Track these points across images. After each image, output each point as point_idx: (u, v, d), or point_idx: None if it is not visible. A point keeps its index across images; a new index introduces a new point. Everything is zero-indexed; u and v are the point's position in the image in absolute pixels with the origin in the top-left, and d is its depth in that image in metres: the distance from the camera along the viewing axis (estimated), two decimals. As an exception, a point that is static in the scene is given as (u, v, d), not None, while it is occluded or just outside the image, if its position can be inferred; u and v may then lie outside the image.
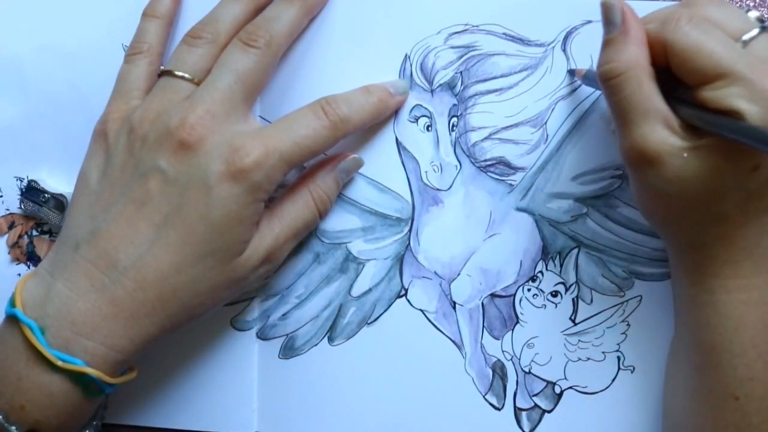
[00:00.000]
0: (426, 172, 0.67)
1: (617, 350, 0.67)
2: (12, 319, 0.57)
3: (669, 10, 0.55)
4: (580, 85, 0.65)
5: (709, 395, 0.58)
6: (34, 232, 0.71)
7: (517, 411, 0.68)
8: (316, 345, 0.69)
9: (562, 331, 0.67)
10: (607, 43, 0.55)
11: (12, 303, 0.57)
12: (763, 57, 0.52)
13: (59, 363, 0.55)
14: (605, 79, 0.55)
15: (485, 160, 0.67)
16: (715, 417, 0.57)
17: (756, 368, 0.56)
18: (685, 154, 0.52)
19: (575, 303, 0.67)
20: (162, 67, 0.63)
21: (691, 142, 0.52)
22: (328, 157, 0.65)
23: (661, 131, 0.53)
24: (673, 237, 0.59)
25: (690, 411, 0.60)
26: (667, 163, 0.53)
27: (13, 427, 0.55)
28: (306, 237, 0.67)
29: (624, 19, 0.54)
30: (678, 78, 0.54)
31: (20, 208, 0.70)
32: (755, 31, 0.53)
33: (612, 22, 0.55)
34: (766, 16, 0.66)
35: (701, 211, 0.55)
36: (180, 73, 0.61)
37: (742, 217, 0.54)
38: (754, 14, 0.55)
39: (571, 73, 0.66)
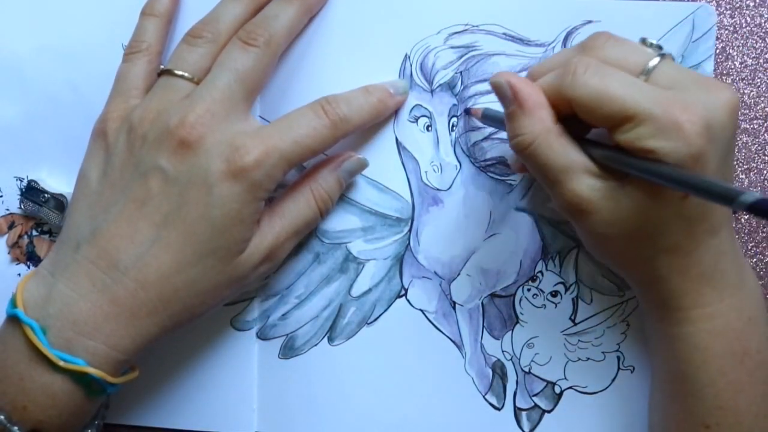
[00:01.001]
0: (426, 172, 0.67)
1: (617, 350, 0.67)
2: (13, 319, 0.57)
3: (565, 58, 0.56)
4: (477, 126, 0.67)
5: (682, 423, 0.59)
6: (34, 232, 0.71)
7: (517, 411, 0.68)
8: (316, 345, 0.69)
9: (562, 331, 0.67)
10: (508, 118, 0.56)
11: (13, 303, 0.57)
12: (667, 83, 0.53)
13: (61, 363, 0.55)
14: (518, 151, 0.56)
15: (485, 160, 0.67)
16: None
17: (725, 397, 0.56)
18: (614, 194, 0.53)
19: (575, 303, 0.67)
20: (162, 66, 0.63)
21: (616, 182, 0.53)
22: (331, 156, 0.65)
23: (586, 180, 0.54)
24: (631, 276, 0.60)
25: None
26: (601, 208, 0.54)
27: (16, 428, 0.55)
28: (306, 237, 0.67)
29: (514, 92, 0.55)
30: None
31: (20, 208, 0.70)
32: (655, 60, 0.53)
33: (505, 97, 0.56)
34: (758, 37, 0.67)
35: (649, 245, 0.55)
36: (180, 72, 0.61)
37: (691, 243, 0.55)
38: (650, 41, 0.55)
39: (467, 112, 0.66)
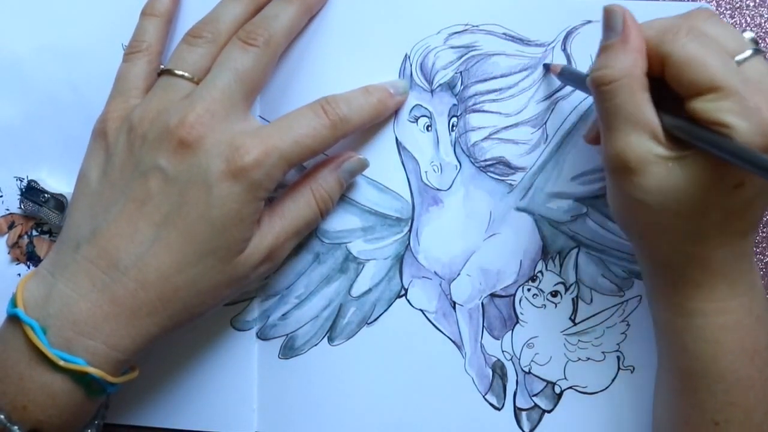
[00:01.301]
0: (426, 172, 0.67)
1: (617, 350, 0.67)
2: (13, 319, 0.57)
3: (669, 21, 0.55)
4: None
5: (689, 420, 0.58)
6: (34, 232, 0.71)
7: (517, 411, 0.68)
8: (316, 345, 0.69)
9: (562, 331, 0.67)
10: (604, 49, 0.55)
11: (13, 303, 0.57)
12: (754, 78, 0.52)
13: (61, 363, 0.55)
14: (598, 84, 0.54)
15: (485, 160, 0.67)
16: None
17: (735, 393, 0.56)
18: (670, 164, 0.52)
19: (575, 303, 0.67)
20: (162, 66, 0.63)
21: (675, 153, 0.52)
22: (332, 156, 0.65)
23: (647, 141, 0.53)
24: (648, 253, 0.59)
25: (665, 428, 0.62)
26: (650, 173, 0.53)
27: (16, 427, 0.55)
28: (306, 237, 0.67)
29: (625, 26, 0.54)
30: (669, 89, 0.54)
31: (20, 208, 0.70)
32: (749, 52, 0.53)
33: (612, 28, 0.55)
34: (758, 37, 0.67)
35: (679, 226, 0.54)
36: (180, 72, 0.61)
37: (720, 238, 0.54)
38: (749, 35, 0.55)
39: (546, 67, 0.66)
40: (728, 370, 0.56)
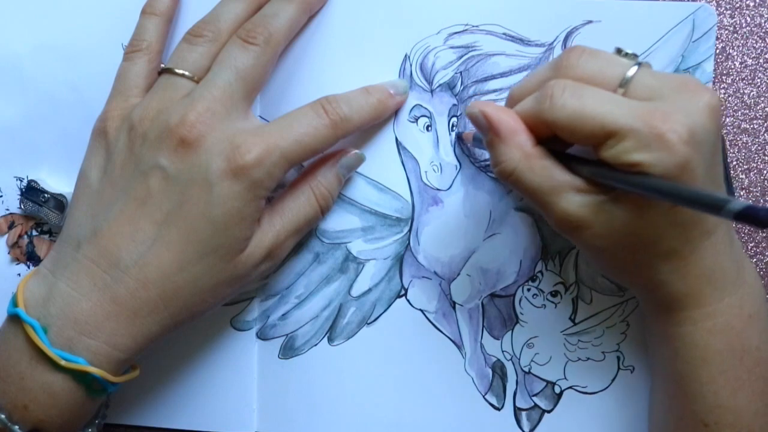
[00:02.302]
0: (426, 172, 0.67)
1: (617, 350, 0.67)
2: (14, 318, 0.57)
3: (543, 79, 0.56)
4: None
5: (680, 423, 0.59)
6: (34, 232, 0.71)
7: (517, 411, 0.68)
8: (315, 345, 0.69)
9: (562, 331, 0.67)
10: (488, 146, 0.56)
11: (14, 302, 0.57)
12: (646, 93, 0.53)
13: (62, 362, 0.55)
14: (503, 178, 0.56)
15: (485, 160, 0.67)
16: None
17: (724, 395, 0.57)
18: (606, 207, 0.53)
19: (575, 303, 0.67)
20: (162, 65, 0.63)
21: (605, 195, 0.53)
22: (329, 153, 0.65)
23: (574, 198, 0.54)
24: (631, 283, 0.60)
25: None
26: (593, 223, 0.54)
27: (16, 427, 0.55)
28: (306, 237, 0.67)
29: (489, 122, 0.55)
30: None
31: (20, 208, 0.70)
32: (633, 69, 0.53)
33: (480, 127, 0.56)
34: (758, 37, 0.67)
35: (645, 254, 0.55)
36: (180, 71, 0.61)
37: (687, 246, 0.55)
38: (624, 53, 0.55)
39: (459, 137, 0.67)
40: (717, 372, 0.56)
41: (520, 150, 0.54)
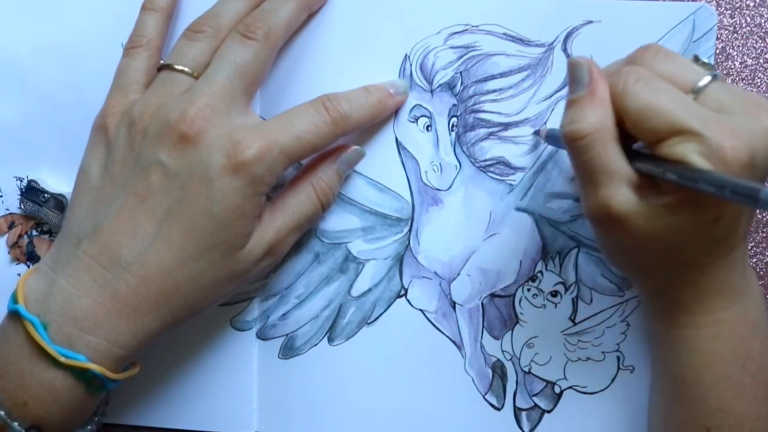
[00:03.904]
0: (426, 172, 0.67)
1: (617, 350, 0.67)
2: (14, 315, 0.57)
3: (616, 69, 0.55)
4: (545, 146, 0.67)
5: (681, 426, 0.59)
6: (34, 232, 0.71)
7: (517, 411, 0.68)
8: (315, 345, 0.69)
9: (562, 331, 0.67)
10: (571, 103, 0.55)
11: (14, 299, 0.57)
12: (715, 105, 0.52)
13: (62, 359, 0.55)
14: (570, 140, 0.54)
15: (485, 160, 0.67)
16: None
17: (726, 399, 0.57)
18: (650, 209, 0.53)
19: (575, 303, 0.67)
20: (162, 61, 0.63)
21: (654, 200, 0.53)
22: (329, 150, 0.65)
23: (625, 192, 0.53)
24: (641, 283, 0.60)
25: None
26: (632, 222, 0.53)
27: (16, 423, 0.55)
28: (306, 237, 0.68)
29: (591, 79, 0.54)
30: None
31: (20, 208, 0.70)
32: (706, 79, 0.53)
33: (578, 81, 0.55)
34: (758, 37, 0.67)
35: (667, 261, 0.55)
36: (180, 67, 0.61)
37: (708, 259, 0.55)
38: (700, 61, 0.55)
39: (536, 133, 0.66)
40: (720, 376, 0.56)
41: (605, 119, 0.53)
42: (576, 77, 0.55)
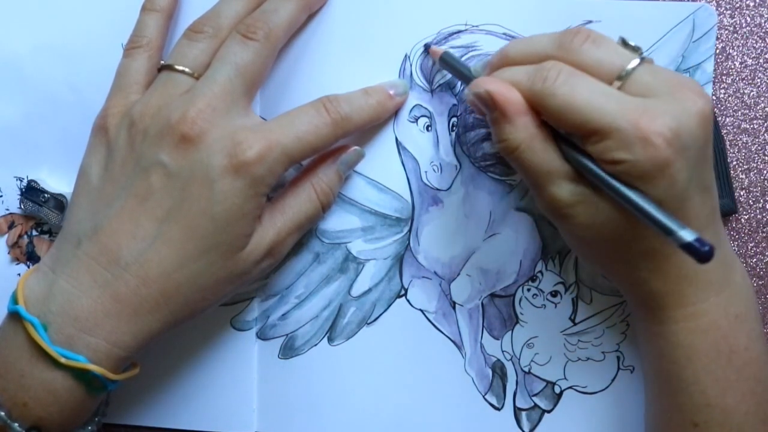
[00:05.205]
0: (426, 172, 0.67)
1: (617, 350, 0.67)
2: (14, 316, 0.57)
3: (541, 50, 0.56)
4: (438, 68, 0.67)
5: (669, 423, 0.59)
6: (34, 232, 0.71)
7: (517, 411, 0.68)
8: (315, 345, 0.69)
9: (562, 331, 0.67)
10: (492, 123, 0.56)
11: (14, 300, 0.57)
12: (642, 89, 0.53)
13: (62, 360, 0.55)
14: (504, 154, 0.56)
15: (485, 160, 0.67)
16: None
17: (712, 395, 0.57)
18: (595, 198, 0.54)
19: (575, 303, 0.67)
20: (162, 62, 0.63)
21: (593, 187, 0.54)
22: (329, 151, 0.65)
23: (566, 186, 0.55)
24: (612, 276, 0.61)
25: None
26: (579, 213, 0.55)
27: (16, 424, 0.55)
28: (306, 237, 0.68)
29: (495, 101, 0.55)
30: None
31: (20, 208, 0.70)
32: (634, 63, 0.53)
33: (486, 105, 0.56)
34: (758, 37, 0.67)
35: (626, 250, 0.56)
36: (180, 67, 0.61)
37: (669, 247, 0.55)
38: (629, 44, 0.55)
39: (426, 49, 0.66)
40: (704, 371, 0.56)
41: (526, 131, 0.54)
42: (483, 104, 0.56)
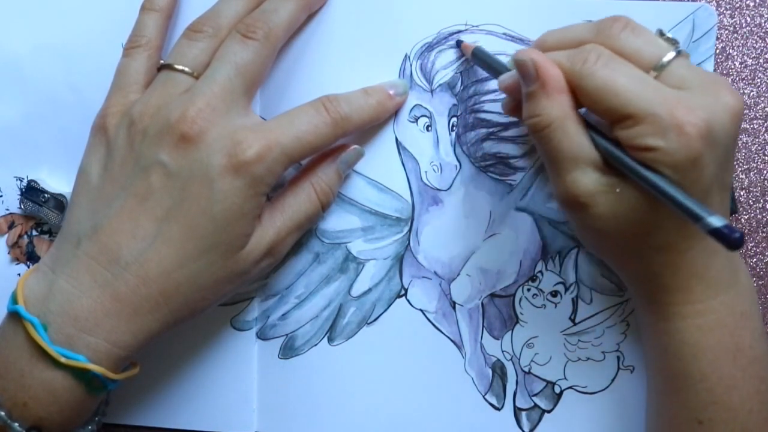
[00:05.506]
0: (426, 172, 0.67)
1: (617, 350, 0.67)
2: (14, 315, 0.57)
3: (579, 37, 0.56)
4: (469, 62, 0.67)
5: (674, 420, 0.59)
6: (34, 232, 0.71)
7: (517, 411, 0.68)
8: (315, 345, 0.69)
9: (562, 331, 0.67)
10: (528, 97, 0.56)
11: (14, 300, 0.57)
12: (677, 82, 0.53)
13: (62, 359, 0.55)
14: (533, 131, 0.56)
15: (485, 160, 0.67)
16: None
17: (717, 392, 0.57)
18: (617, 190, 0.54)
19: (575, 303, 0.67)
20: (162, 61, 0.63)
21: (617, 178, 0.54)
22: (329, 150, 0.65)
23: (591, 174, 0.54)
24: (624, 271, 0.60)
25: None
26: (600, 203, 0.54)
27: (16, 424, 0.55)
28: (306, 237, 0.68)
29: (539, 72, 0.55)
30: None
31: (20, 208, 0.70)
32: (670, 55, 0.53)
33: (528, 76, 0.55)
34: (758, 37, 0.67)
35: (642, 243, 0.56)
36: (180, 67, 0.61)
37: (685, 243, 0.55)
38: (665, 36, 0.55)
39: (458, 44, 0.66)
40: (709, 369, 0.56)
41: (561, 108, 0.54)
42: (524, 73, 0.56)
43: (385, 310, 0.68)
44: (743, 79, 0.67)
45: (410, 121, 0.67)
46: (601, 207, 0.54)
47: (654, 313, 0.59)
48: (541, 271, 0.67)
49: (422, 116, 0.67)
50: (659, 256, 0.56)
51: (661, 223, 0.54)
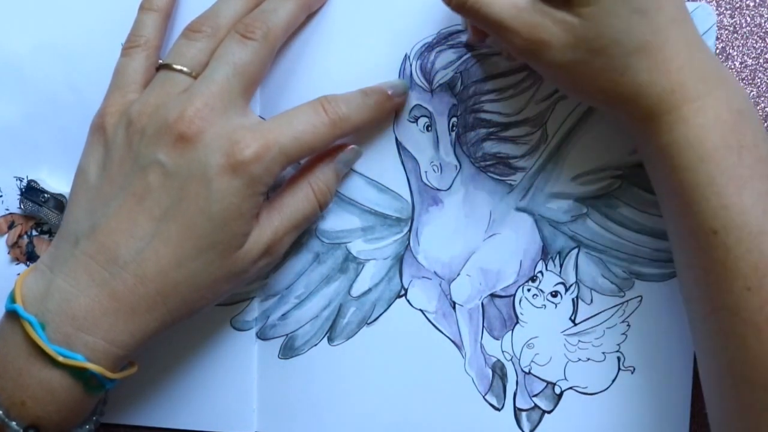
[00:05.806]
0: (426, 172, 0.67)
1: (617, 351, 0.67)
2: (12, 314, 0.57)
3: None
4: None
5: (689, 238, 0.56)
6: (34, 232, 0.71)
7: (517, 411, 0.68)
8: (315, 345, 0.69)
9: (562, 332, 0.67)
10: None
11: (12, 299, 0.57)
12: None
13: (60, 358, 0.55)
14: (458, 10, 0.57)
15: (485, 160, 0.67)
16: (700, 259, 0.56)
17: (728, 195, 0.54)
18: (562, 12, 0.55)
19: (575, 303, 0.67)
20: (160, 61, 0.63)
21: (561, 4, 0.55)
22: (327, 150, 0.65)
23: (532, 16, 0.55)
24: (612, 97, 0.58)
25: (678, 263, 0.60)
26: (555, 34, 0.55)
27: (14, 423, 0.55)
28: (306, 237, 0.68)
29: None
30: None
31: (20, 208, 0.70)
32: None
33: None
34: (758, 37, 0.67)
35: (619, 55, 0.55)
36: (178, 67, 0.61)
37: (659, 35, 0.55)
38: None
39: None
40: (717, 170, 0.54)
41: None
42: None
43: (385, 310, 0.68)
44: (743, 79, 0.67)
45: (410, 120, 0.67)
46: (556, 40, 0.55)
47: (655, 131, 0.57)
48: (541, 272, 0.67)
49: (422, 116, 0.67)
50: (641, 61, 0.55)
51: (624, 23, 0.54)
